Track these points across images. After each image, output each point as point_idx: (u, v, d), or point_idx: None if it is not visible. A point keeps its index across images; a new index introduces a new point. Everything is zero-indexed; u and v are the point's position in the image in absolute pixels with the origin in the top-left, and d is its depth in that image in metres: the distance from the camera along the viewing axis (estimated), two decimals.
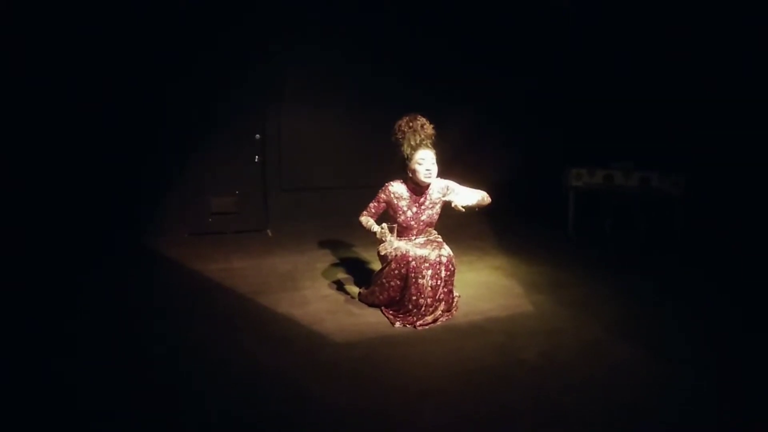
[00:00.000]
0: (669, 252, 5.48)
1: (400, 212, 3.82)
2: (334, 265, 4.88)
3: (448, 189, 3.87)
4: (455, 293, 3.82)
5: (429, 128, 3.80)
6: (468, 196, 3.79)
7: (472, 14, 6.64)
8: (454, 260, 3.66)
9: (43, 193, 5.05)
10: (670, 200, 5.86)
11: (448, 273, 3.61)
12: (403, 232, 3.84)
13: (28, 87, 4.90)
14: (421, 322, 3.52)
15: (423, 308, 3.53)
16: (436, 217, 3.91)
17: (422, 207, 3.84)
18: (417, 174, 3.72)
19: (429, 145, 3.74)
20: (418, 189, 3.84)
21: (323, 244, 5.52)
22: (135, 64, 5.35)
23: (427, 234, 3.92)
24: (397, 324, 3.55)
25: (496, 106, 6.79)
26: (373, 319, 3.63)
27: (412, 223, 3.83)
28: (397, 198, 3.82)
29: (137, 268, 4.74)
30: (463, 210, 3.73)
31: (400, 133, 3.79)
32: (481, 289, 4.26)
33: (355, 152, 6.41)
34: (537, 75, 7.00)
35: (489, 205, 3.87)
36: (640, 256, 5.42)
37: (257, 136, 6.02)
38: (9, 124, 4.75)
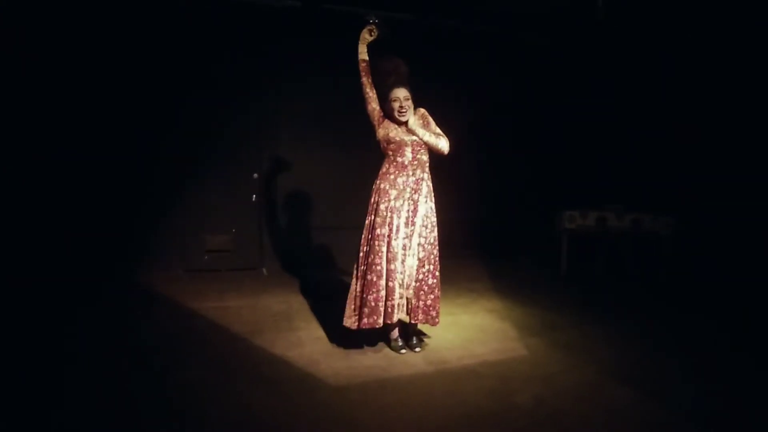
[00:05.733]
0: (660, 292, 5.53)
1: (392, 129, 3.70)
2: (329, 305, 4.83)
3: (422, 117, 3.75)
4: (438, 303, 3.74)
5: (403, 67, 3.69)
6: (424, 131, 3.64)
7: (466, 55, 6.81)
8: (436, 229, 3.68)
9: (40, 228, 5.08)
10: (660, 241, 5.94)
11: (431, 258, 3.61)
12: (396, 151, 3.69)
13: (29, 127, 4.99)
14: (391, 319, 3.52)
15: (395, 293, 3.52)
16: (424, 146, 3.72)
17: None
18: (392, 113, 3.66)
19: (402, 83, 3.65)
20: None
21: (318, 284, 5.53)
22: (132, 100, 5.47)
23: (416, 170, 3.73)
24: (364, 322, 3.52)
25: (490, 146, 6.91)
26: (369, 363, 3.62)
27: (404, 138, 3.67)
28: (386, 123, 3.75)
29: (132, 305, 4.74)
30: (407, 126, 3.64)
31: (377, 75, 3.72)
32: (475, 332, 4.27)
33: (352, 192, 6.43)
34: (530, 117, 7.15)
35: (441, 153, 3.69)
36: (632, 297, 5.45)
37: (255, 174, 6.09)
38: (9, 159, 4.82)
